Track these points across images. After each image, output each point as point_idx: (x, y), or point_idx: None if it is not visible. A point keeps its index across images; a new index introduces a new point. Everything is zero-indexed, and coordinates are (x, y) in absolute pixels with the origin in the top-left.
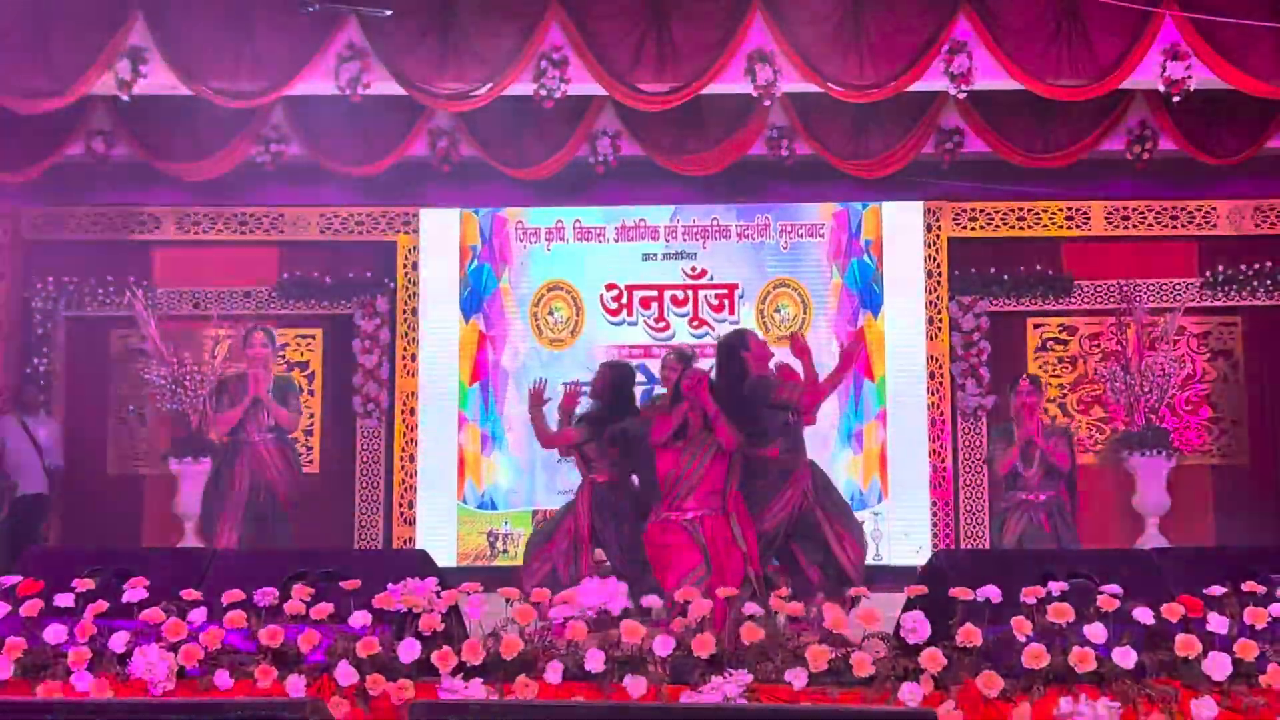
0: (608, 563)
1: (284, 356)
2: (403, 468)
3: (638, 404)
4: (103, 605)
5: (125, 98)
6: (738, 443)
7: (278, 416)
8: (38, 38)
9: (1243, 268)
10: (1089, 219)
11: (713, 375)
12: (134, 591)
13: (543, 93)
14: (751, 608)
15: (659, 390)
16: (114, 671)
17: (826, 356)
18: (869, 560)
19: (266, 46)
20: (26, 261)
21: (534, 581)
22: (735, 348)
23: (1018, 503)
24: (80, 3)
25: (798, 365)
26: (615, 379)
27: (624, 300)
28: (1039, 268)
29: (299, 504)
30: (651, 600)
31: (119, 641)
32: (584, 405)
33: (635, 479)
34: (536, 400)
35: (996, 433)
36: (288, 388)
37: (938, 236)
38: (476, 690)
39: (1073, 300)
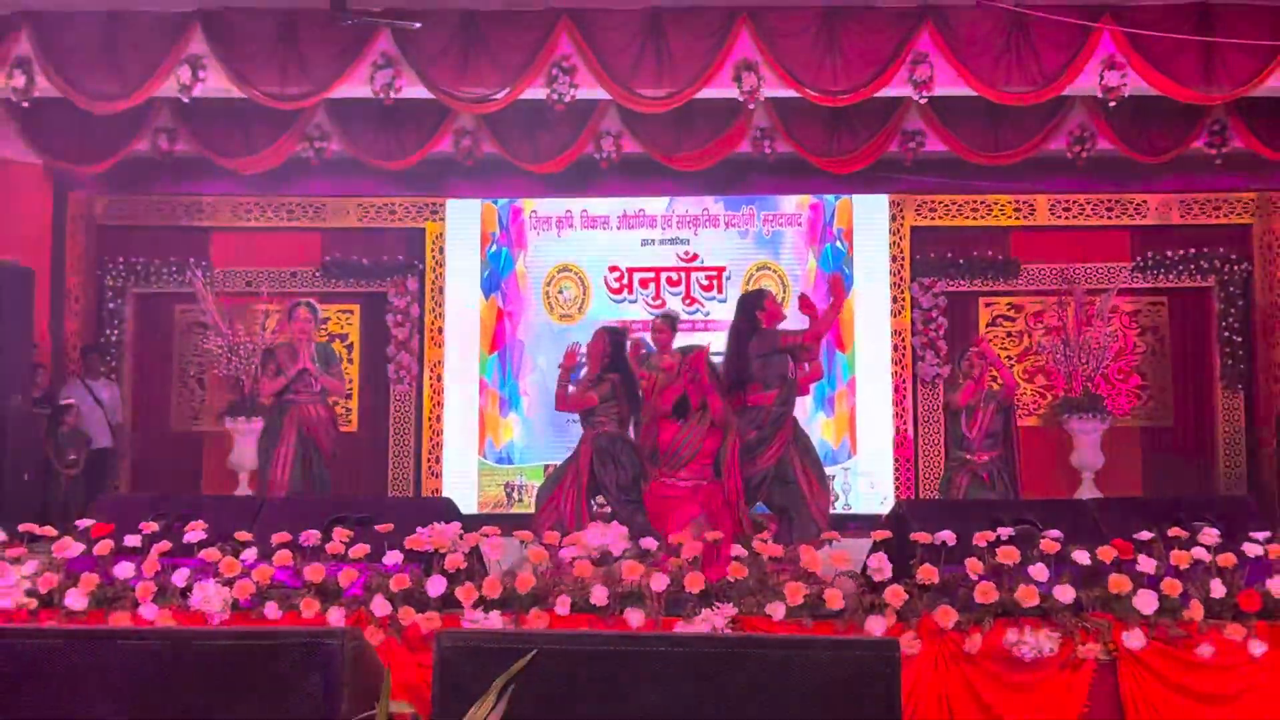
0: (607, 508)
1: (325, 329)
2: (430, 427)
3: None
4: (166, 545)
5: (186, 100)
6: (726, 417)
7: (327, 385)
8: (108, 47)
9: (1169, 254)
10: (1035, 210)
11: (730, 331)
12: (193, 534)
13: (554, 96)
14: (736, 549)
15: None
16: (176, 603)
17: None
18: (839, 509)
19: (310, 55)
20: (100, 244)
21: (544, 529)
22: (752, 305)
23: (962, 463)
24: (146, 16)
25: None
26: (615, 342)
27: (625, 281)
28: (990, 253)
29: (338, 457)
30: (648, 542)
31: (180, 577)
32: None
33: (632, 431)
34: (568, 364)
35: (950, 388)
36: (329, 356)
37: (901, 225)
38: (495, 621)
39: (1019, 282)
